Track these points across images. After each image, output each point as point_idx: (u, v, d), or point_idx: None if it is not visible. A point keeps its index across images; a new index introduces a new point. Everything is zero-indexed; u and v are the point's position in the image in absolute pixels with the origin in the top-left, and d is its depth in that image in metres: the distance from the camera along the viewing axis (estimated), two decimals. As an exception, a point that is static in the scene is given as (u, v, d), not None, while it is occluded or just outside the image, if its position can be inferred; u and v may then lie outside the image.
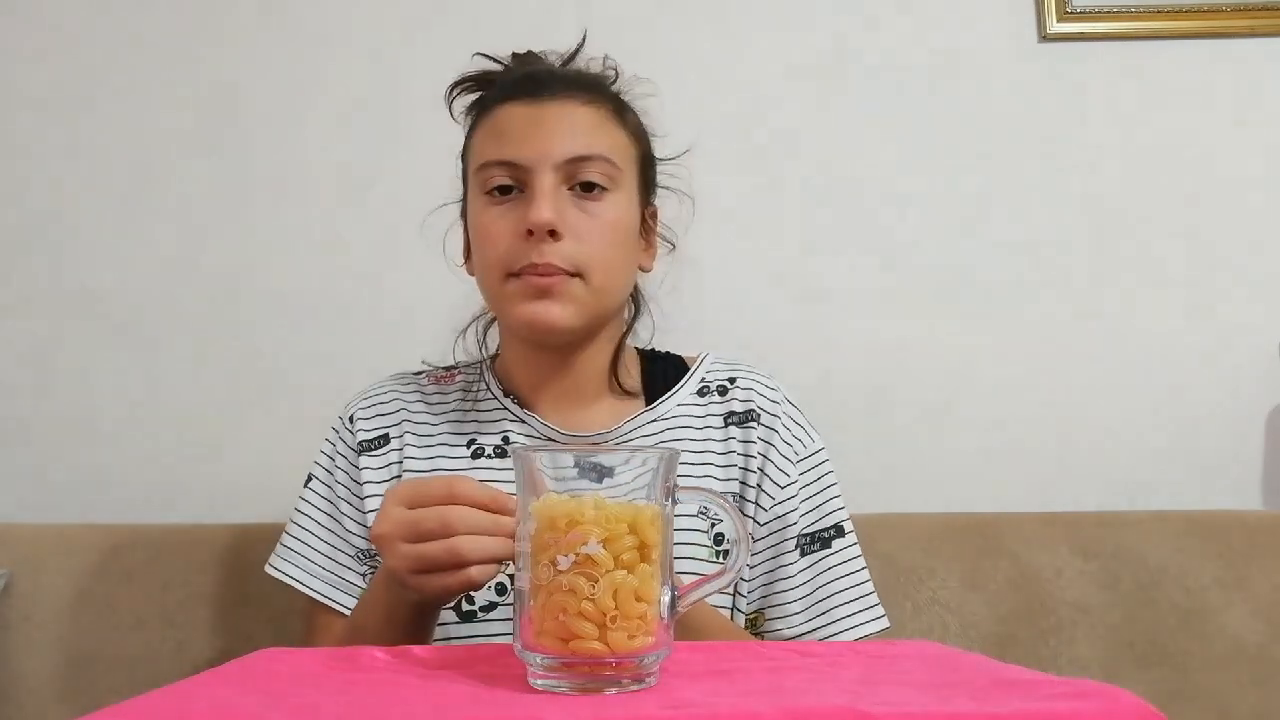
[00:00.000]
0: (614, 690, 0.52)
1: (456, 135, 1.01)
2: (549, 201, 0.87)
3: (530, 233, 0.88)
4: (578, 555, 0.52)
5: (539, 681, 0.53)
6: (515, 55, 1.00)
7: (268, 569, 0.98)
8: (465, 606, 0.89)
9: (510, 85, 0.95)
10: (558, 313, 0.89)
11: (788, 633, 0.94)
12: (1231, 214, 1.49)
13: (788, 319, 1.46)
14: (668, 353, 1.07)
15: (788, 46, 1.50)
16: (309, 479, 1.01)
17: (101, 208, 1.46)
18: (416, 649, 0.63)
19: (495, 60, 1.00)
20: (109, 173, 1.46)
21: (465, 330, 1.05)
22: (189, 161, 1.47)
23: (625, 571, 0.52)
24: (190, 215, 1.46)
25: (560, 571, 0.52)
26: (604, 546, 0.52)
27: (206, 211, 1.46)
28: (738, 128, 1.48)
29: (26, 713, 1.18)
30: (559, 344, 0.94)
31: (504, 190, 0.91)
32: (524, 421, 0.98)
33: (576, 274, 0.89)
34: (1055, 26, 1.49)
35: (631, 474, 0.56)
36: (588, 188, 0.90)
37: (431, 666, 0.58)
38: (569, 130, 0.90)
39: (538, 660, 0.53)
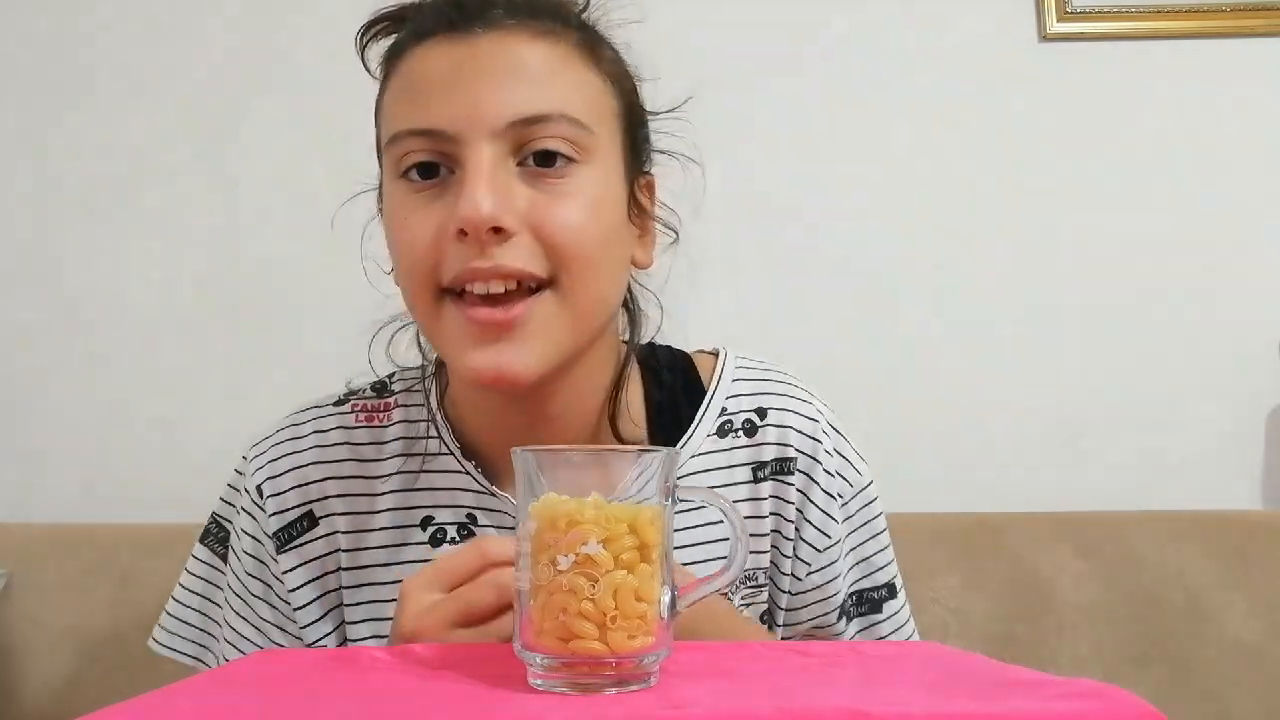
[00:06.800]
0: (614, 690, 0.52)
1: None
2: (486, 185, 0.62)
3: (463, 232, 0.63)
4: (578, 555, 0.52)
5: (539, 681, 0.53)
6: None
7: (156, 648, 0.80)
8: None
9: (428, 15, 0.68)
10: (520, 358, 0.64)
11: None
12: (1231, 214, 1.49)
13: (787, 317, 1.46)
14: (670, 349, 0.83)
15: (787, 46, 1.50)
16: (207, 536, 0.80)
17: (95, 207, 1.46)
18: (417, 648, 0.63)
19: None
20: (106, 174, 1.46)
21: (380, 336, 0.79)
22: (186, 163, 1.47)
23: (625, 571, 0.52)
24: (184, 213, 1.46)
25: (560, 571, 0.52)
26: (604, 546, 0.52)
27: (201, 210, 1.46)
28: (729, 127, 1.47)
29: (27, 712, 1.18)
30: (526, 391, 0.68)
31: (426, 171, 0.66)
32: (494, 495, 0.74)
33: (541, 285, 0.65)
34: (1055, 26, 1.49)
35: (632, 475, 0.55)
36: (545, 159, 0.65)
37: (431, 666, 0.58)
38: (511, 77, 0.65)
39: (538, 660, 0.53)
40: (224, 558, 0.79)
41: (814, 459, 0.78)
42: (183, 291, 1.45)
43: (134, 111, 1.47)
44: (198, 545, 0.81)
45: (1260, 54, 1.51)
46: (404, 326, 0.78)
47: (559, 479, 0.55)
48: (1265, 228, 1.49)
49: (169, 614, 0.81)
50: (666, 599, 0.55)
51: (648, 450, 0.56)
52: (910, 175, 1.49)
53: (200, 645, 0.80)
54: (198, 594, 0.81)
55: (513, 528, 0.64)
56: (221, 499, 0.81)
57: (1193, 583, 1.24)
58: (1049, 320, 1.47)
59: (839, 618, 0.79)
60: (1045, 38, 1.50)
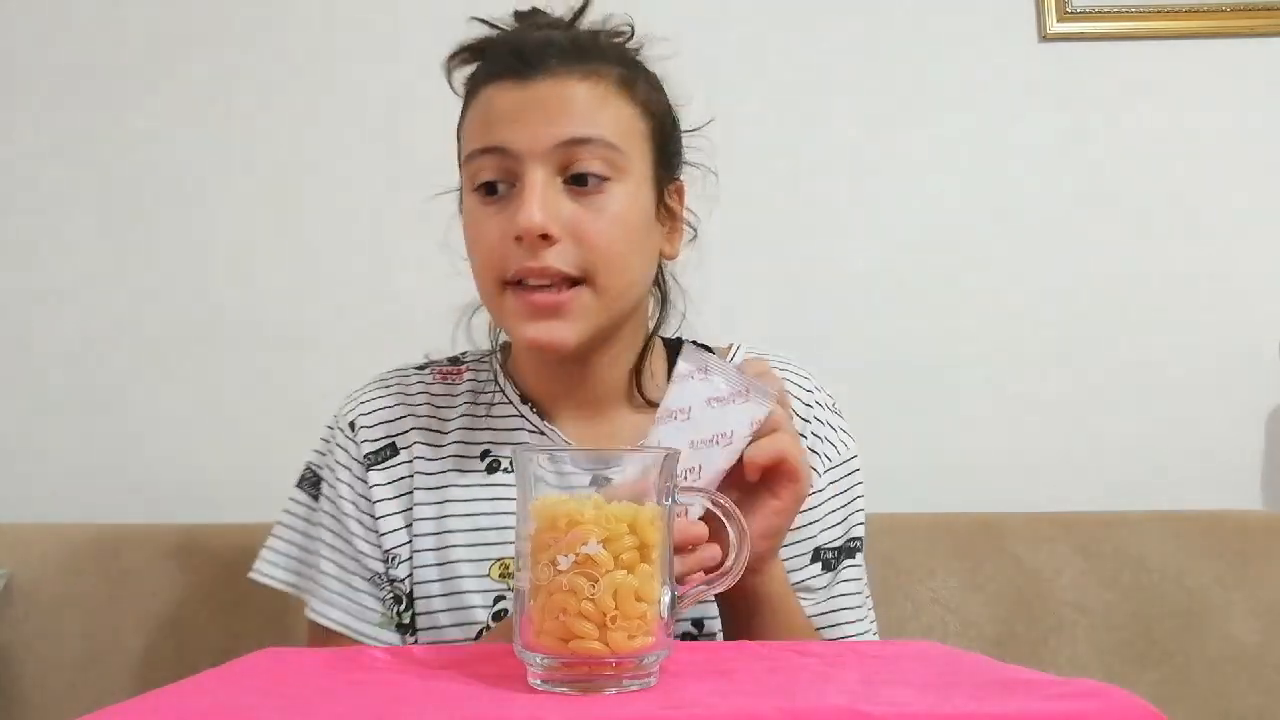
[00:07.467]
0: (614, 690, 0.52)
1: (452, 113, 0.93)
2: (538, 200, 0.79)
3: (519, 238, 0.80)
4: (578, 555, 0.52)
5: (539, 681, 0.53)
6: (517, 14, 0.89)
7: (258, 577, 0.93)
8: (492, 623, 0.85)
9: (498, 61, 0.85)
10: (563, 332, 0.81)
11: None
12: (1231, 214, 1.49)
13: (787, 313, 1.46)
14: (694, 341, 0.97)
15: (787, 46, 1.50)
16: (303, 481, 0.95)
17: (90, 207, 1.46)
18: (417, 649, 0.63)
19: (494, 25, 0.88)
20: (100, 173, 1.47)
21: (468, 320, 0.97)
22: (189, 161, 1.47)
23: (625, 571, 0.52)
24: (183, 211, 1.46)
25: (560, 571, 0.52)
26: (604, 546, 0.52)
27: (200, 207, 1.46)
28: (733, 131, 1.47)
29: (27, 713, 1.18)
30: (570, 357, 0.86)
31: (494, 189, 0.83)
32: (543, 434, 0.91)
33: (581, 279, 0.81)
34: (1055, 26, 1.50)
35: (632, 474, 0.55)
36: (584, 179, 0.81)
37: (431, 666, 0.58)
38: (560, 112, 0.81)
39: (538, 660, 0.53)
40: (316, 498, 0.94)
41: (806, 422, 0.92)
42: (185, 294, 1.45)
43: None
44: (294, 490, 0.95)
45: (1260, 54, 1.51)
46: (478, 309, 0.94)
47: (560, 478, 0.55)
48: (1265, 227, 1.49)
49: (269, 549, 0.94)
50: (666, 599, 0.55)
51: (648, 450, 0.56)
52: (910, 175, 1.49)
53: (296, 574, 0.93)
54: (295, 530, 0.94)
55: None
56: (314, 450, 0.96)
57: (1193, 583, 1.24)
58: (1048, 320, 1.47)
59: (815, 559, 0.90)
60: (1045, 38, 1.50)
